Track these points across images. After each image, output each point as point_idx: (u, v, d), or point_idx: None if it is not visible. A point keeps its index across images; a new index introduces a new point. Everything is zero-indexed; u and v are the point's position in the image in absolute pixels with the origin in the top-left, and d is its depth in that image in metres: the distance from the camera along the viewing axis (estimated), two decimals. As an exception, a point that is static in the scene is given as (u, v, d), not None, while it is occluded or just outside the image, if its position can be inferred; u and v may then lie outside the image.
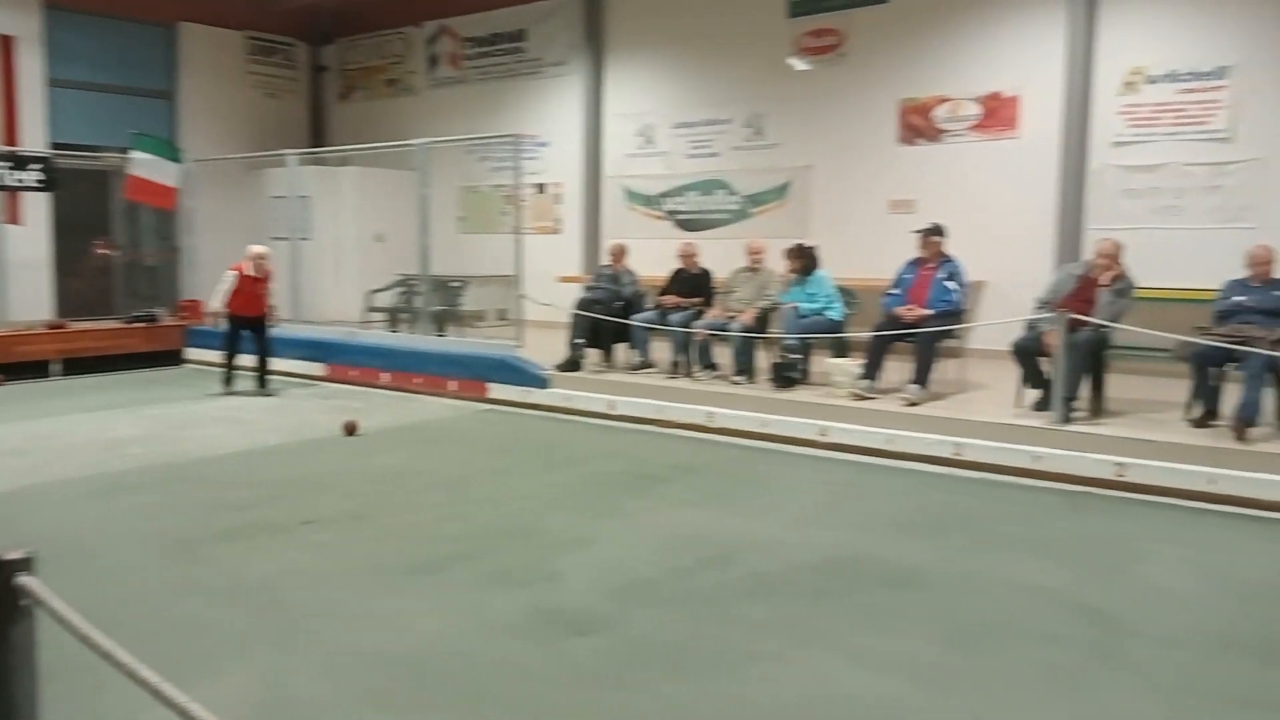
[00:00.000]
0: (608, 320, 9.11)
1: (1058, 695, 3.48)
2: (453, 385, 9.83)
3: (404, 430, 8.23)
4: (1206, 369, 6.48)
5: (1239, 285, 6.71)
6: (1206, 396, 6.52)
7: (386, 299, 12.11)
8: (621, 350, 9.35)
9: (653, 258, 10.22)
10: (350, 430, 7.81)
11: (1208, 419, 6.49)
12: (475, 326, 11.49)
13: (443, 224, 12.06)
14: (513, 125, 12.73)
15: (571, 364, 9.16)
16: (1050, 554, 4.98)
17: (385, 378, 10.43)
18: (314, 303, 12.37)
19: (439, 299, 11.16)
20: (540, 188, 13.53)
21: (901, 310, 7.61)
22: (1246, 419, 6.10)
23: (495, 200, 13.74)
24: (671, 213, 12.44)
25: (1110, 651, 3.84)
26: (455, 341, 10.51)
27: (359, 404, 9.31)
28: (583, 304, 9.26)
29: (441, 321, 11.05)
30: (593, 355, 9.36)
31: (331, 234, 13.40)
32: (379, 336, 11.29)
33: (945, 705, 3.41)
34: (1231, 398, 6.32)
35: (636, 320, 9.01)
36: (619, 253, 9.72)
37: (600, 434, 8.03)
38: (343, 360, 10.93)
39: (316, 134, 15.95)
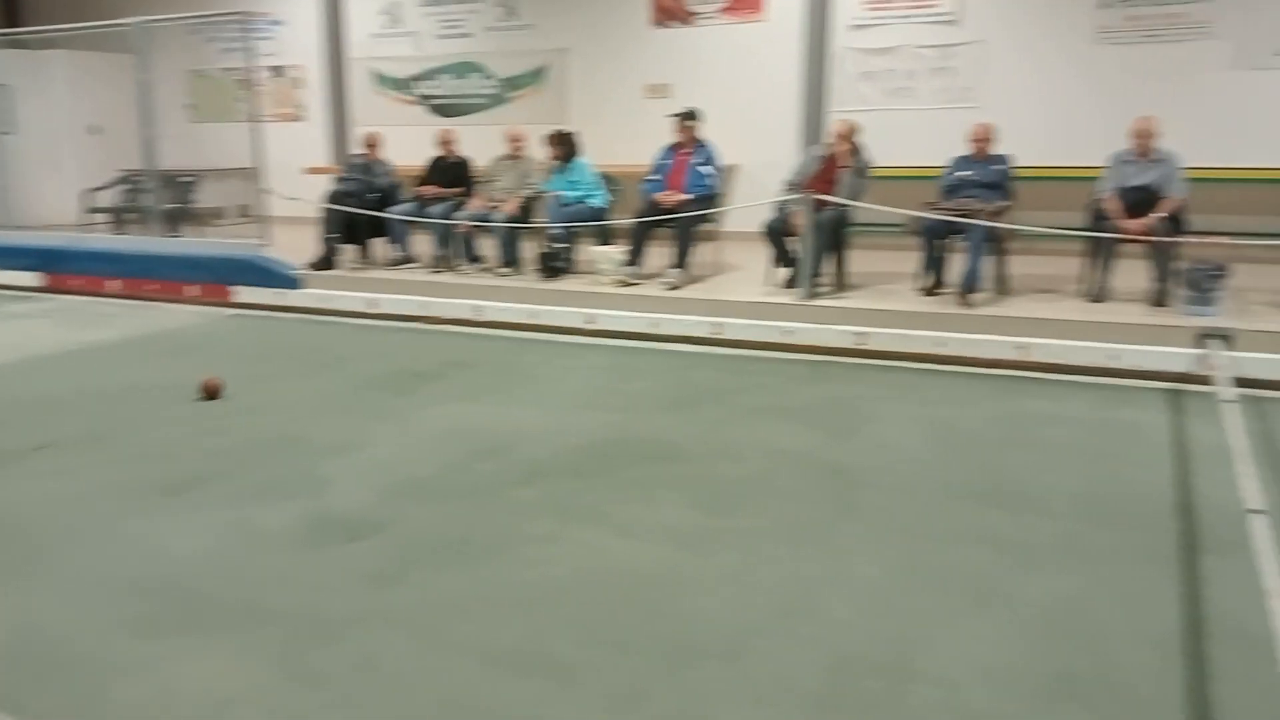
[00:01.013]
0: (362, 214, 8.75)
1: (808, 545, 3.80)
2: (193, 290, 9.18)
3: (143, 342, 7.64)
4: (934, 241, 7.05)
5: (962, 161, 7.29)
6: (934, 267, 7.12)
7: (109, 198, 11.04)
8: (379, 245, 9.03)
9: (408, 146, 9.84)
10: (211, 392, 5.85)
11: (936, 288, 7.10)
12: (214, 225, 10.72)
13: (170, 113, 11.04)
14: (242, 2, 11.70)
15: (325, 262, 8.77)
16: (798, 419, 5.36)
17: (115, 285, 9.59)
18: (24, 205, 11.09)
19: (169, 196, 10.29)
20: (277, 71, 12.61)
21: (661, 196, 7.76)
22: (969, 286, 6.72)
23: (228, 86, 12.69)
24: (425, 98, 11.96)
25: (852, 503, 4.22)
26: (193, 242, 9.78)
27: (89, 316, 8.53)
28: (334, 197, 8.82)
29: (175, 221, 10.22)
30: (349, 252, 8.99)
31: (40, 127, 11.97)
32: (104, 240, 10.31)
33: (710, 565, 3.65)
34: (957, 267, 6.93)
35: (394, 213, 8.70)
36: (372, 141, 9.28)
37: (362, 334, 7.79)
38: (63, 268, 9.92)
39: (10, 13, 14.02)
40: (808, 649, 3.09)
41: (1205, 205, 7.10)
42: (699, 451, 4.88)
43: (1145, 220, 6.55)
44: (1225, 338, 5.83)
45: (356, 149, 9.74)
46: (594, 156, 8.62)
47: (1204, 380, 5.62)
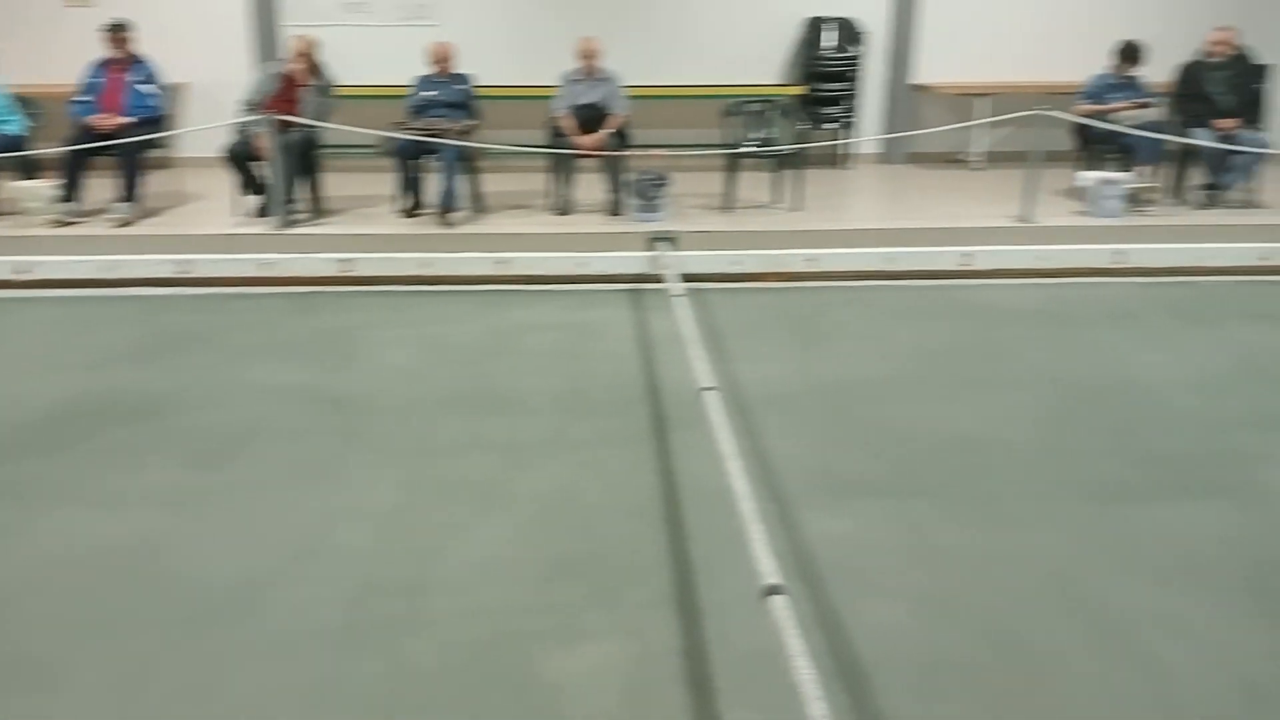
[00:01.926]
0: None
1: (317, 482, 3.69)
2: None
3: None
4: (408, 162, 7.05)
5: (426, 81, 7.32)
6: (412, 188, 7.13)
7: None
8: None
9: None
10: None
11: (415, 209, 7.13)
12: None
13: None
14: None
15: None
16: (289, 355, 5.13)
17: None
18: None
19: None
20: None
21: (96, 119, 6.79)
22: (447, 206, 6.84)
23: None
24: None
25: (356, 432, 4.16)
26: None
27: None
28: None
29: None
30: None
31: None
32: None
33: (209, 523, 3.39)
34: (434, 187, 7.01)
35: None
36: None
37: None
38: None
39: None
40: (325, 587, 3.03)
41: (648, 120, 7.91)
42: (184, 403, 4.46)
43: (596, 136, 7.14)
44: (670, 240, 6.62)
45: None
46: (4, 76, 7.27)
47: (657, 279, 6.35)
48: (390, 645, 2.75)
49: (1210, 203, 7.25)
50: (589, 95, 7.30)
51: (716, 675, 2.63)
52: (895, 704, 2.51)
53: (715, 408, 3.62)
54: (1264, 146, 7.20)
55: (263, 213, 6.82)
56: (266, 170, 6.72)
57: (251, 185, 6.89)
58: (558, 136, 7.29)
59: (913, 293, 6.38)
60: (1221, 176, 7.24)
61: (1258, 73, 8.15)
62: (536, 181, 7.67)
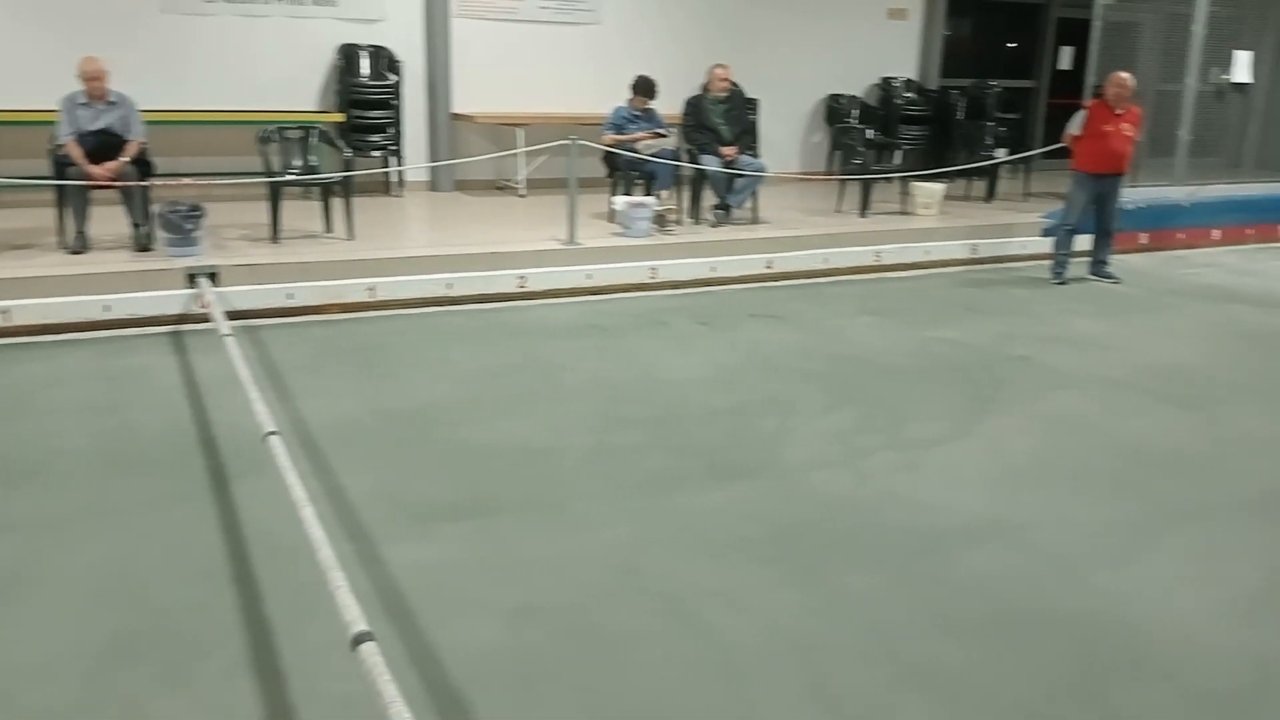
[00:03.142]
0: None
1: None
2: None
3: None
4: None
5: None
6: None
7: None
8: None
9: None
10: None
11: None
12: None
13: None
14: None
15: None
16: None
17: None
18: None
19: None
20: None
21: None
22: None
23: None
24: None
25: None
26: None
27: None
28: None
29: None
30: None
31: None
32: None
33: None
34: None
35: None
36: None
37: None
38: None
39: None
40: None
41: (175, 147, 7.27)
42: None
43: (112, 165, 6.42)
44: (211, 275, 6.14)
45: None
46: None
47: (201, 318, 5.86)
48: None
49: (721, 221, 8.26)
50: (100, 120, 6.55)
51: (310, 734, 2.49)
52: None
53: (280, 452, 3.42)
54: (761, 170, 8.35)
55: None
56: None
57: None
58: (65, 166, 6.46)
59: (472, 316, 6.53)
60: (729, 197, 8.27)
61: (750, 105, 9.45)
62: (44, 218, 6.74)
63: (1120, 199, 7.94)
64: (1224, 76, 10.27)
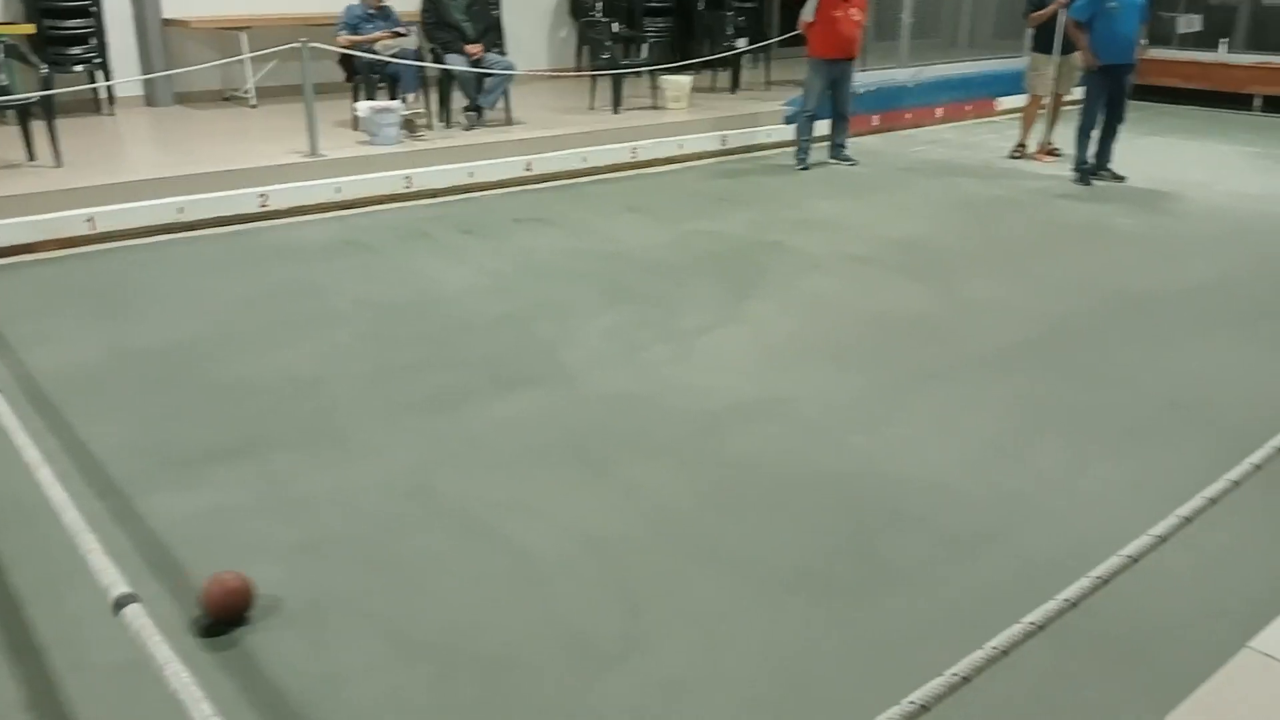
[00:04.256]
0: None
1: None
2: None
3: None
4: None
5: None
6: None
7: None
8: None
9: None
10: None
11: None
12: None
13: None
14: None
15: None
16: None
17: None
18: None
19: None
20: None
21: None
22: None
23: None
24: None
25: None
26: None
27: None
28: None
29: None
30: None
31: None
32: None
33: None
34: None
35: None
36: None
37: None
38: None
39: None
40: None
41: None
42: None
43: None
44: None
45: None
46: None
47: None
48: None
49: (474, 123, 8.01)
50: None
51: (81, 710, 2.30)
52: (292, 662, 2.45)
53: (3, 409, 3.06)
54: (510, 68, 8.12)
55: None
56: None
57: None
58: None
59: (213, 242, 6.07)
60: (479, 98, 8.01)
61: (493, 1, 9.11)
62: None
63: (853, 83, 8.34)
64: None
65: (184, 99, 8.93)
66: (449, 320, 4.81)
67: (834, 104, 8.25)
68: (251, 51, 8.11)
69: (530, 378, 4.16)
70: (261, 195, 6.49)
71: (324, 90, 7.08)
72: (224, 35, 8.71)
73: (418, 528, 3.06)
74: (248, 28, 8.57)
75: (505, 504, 3.19)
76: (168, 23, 8.69)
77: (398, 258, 5.81)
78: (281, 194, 6.56)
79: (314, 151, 6.85)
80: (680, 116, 8.86)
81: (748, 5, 11.51)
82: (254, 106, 8.81)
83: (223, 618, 2.58)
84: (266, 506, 3.17)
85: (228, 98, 9.10)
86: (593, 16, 10.69)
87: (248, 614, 2.60)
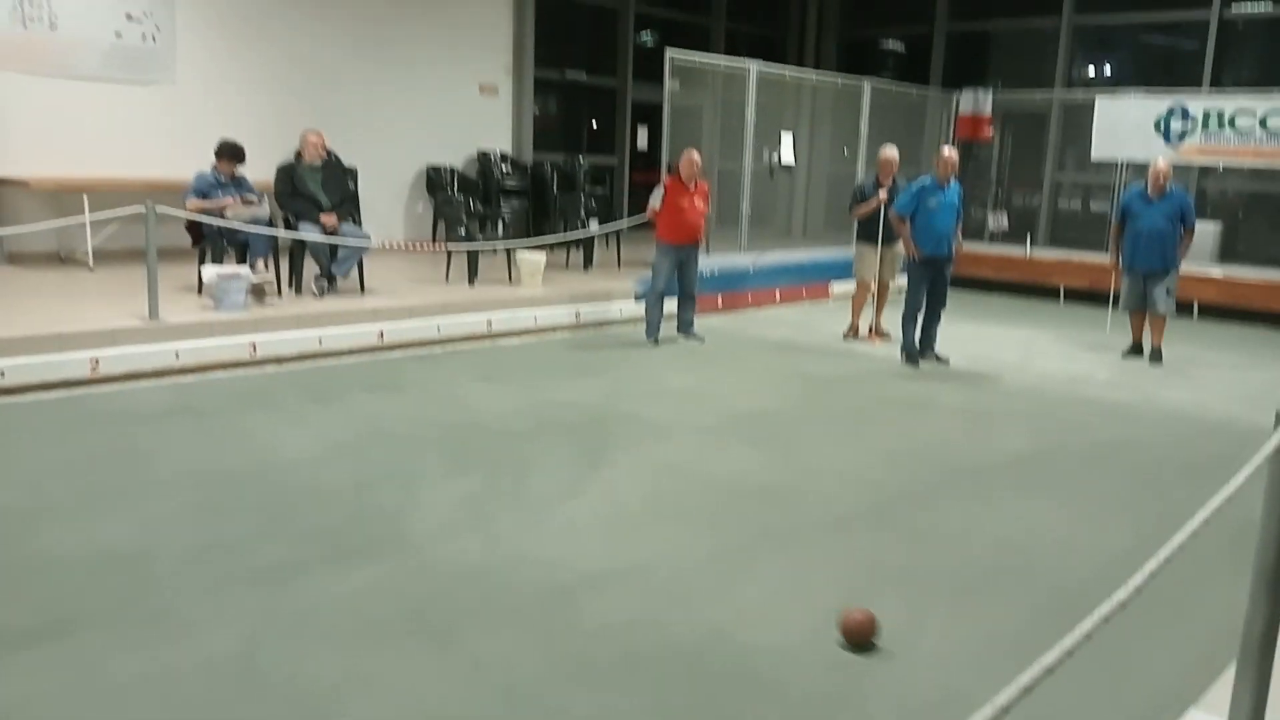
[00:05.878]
0: None
1: None
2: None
3: None
4: None
5: None
6: None
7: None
8: None
9: None
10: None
11: None
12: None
13: None
14: None
15: None
16: None
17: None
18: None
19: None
20: None
21: None
22: None
23: None
24: None
25: None
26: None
27: None
28: None
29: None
30: None
31: None
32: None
33: None
34: None
35: None
36: None
37: None
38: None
39: None
40: None
41: None
42: None
43: None
44: None
45: None
46: None
47: None
48: None
49: (325, 292, 7.97)
50: None
51: None
52: None
53: None
54: (365, 239, 8.19)
55: None
56: None
57: None
58: None
59: (36, 408, 5.72)
60: (333, 267, 8.01)
61: (350, 173, 9.27)
62: None
63: (699, 265, 8.78)
64: (775, 154, 11.79)
65: (16, 259, 8.58)
66: (286, 489, 4.62)
67: (681, 284, 8.63)
68: (94, 213, 7.92)
69: (371, 549, 4.02)
70: (94, 359, 6.21)
71: (169, 255, 6.95)
72: (66, 197, 8.50)
73: (243, 711, 2.84)
74: (91, 190, 8.40)
75: (341, 680, 3.01)
76: (3, 182, 8.43)
77: (235, 424, 5.61)
78: (115, 359, 6.30)
79: (153, 315, 6.65)
80: (535, 291, 9.07)
81: (599, 190, 12.11)
82: (92, 270, 8.53)
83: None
84: (74, 695, 2.88)
85: (65, 259, 8.79)
86: (448, 193, 10.99)
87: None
